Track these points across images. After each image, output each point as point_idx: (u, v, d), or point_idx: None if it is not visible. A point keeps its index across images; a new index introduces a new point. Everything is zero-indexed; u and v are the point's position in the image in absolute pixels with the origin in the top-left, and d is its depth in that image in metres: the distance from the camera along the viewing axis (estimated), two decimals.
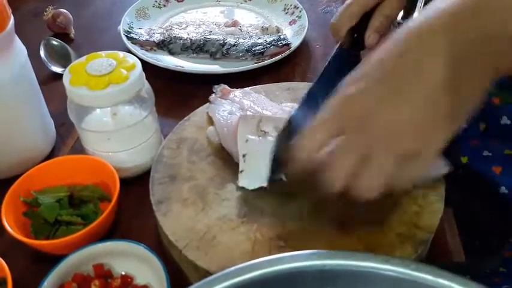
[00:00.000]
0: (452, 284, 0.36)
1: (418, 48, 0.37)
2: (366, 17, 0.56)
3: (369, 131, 0.40)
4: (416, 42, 0.38)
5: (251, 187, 0.56)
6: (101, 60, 0.61)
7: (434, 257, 0.54)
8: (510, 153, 0.67)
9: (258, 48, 0.86)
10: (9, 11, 0.61)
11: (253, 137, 0.57)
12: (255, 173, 0.56)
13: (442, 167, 0.53)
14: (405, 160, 0.40)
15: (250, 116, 0.60)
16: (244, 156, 0.56)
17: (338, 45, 0.57)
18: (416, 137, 0.39)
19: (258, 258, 0.38)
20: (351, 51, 0.57)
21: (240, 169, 0.56)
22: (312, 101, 0.53)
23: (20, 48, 0.64)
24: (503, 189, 0.70)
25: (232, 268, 0.37)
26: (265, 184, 0.55)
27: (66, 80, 0.59)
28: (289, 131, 0.51)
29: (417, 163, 0.40)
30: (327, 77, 0.55)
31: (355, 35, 0.57)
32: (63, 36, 0.95)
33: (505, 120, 0.64)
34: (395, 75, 0.39)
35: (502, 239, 0.75)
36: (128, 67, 0.60)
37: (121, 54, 0.63)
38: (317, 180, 0.44)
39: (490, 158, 0.66)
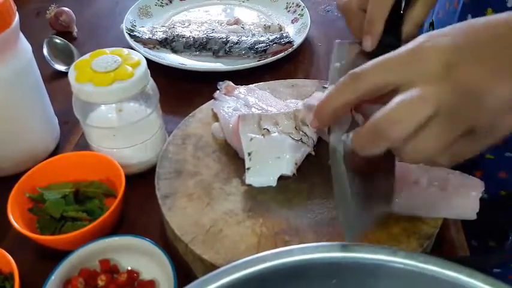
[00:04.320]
0: (460, 276, 0.36)
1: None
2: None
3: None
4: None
5: (259, 185, 0.56)
6: (106, 57, 0.61)
7: (439, 251, 0.54)
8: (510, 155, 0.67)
9: (260, 46, 0.86)
10: (15, 7, 0.61)
11: (257, 136, 0.57)
12: (262, 171, 0.56)
13: (478, 185, 0.51)
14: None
15: (249, 115, 0.60)
16: (250, 154, 0.57)
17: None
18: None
19: (264, 251, 0.38)
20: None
21: (246, 166, 0.56)
22: None
23: (25, 45, 0.64)
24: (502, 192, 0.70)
25: (241, 260, 0.37)
26: (274, 184, 0.56)
27: (71, 76, 0.60)
28: None
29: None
30: None
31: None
32: (66, 34, 0.95)
33: None
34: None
35: (500, 240, 0.75)
36: (133, 64, 0.60)
37: (126, 51, 0.63)
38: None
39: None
